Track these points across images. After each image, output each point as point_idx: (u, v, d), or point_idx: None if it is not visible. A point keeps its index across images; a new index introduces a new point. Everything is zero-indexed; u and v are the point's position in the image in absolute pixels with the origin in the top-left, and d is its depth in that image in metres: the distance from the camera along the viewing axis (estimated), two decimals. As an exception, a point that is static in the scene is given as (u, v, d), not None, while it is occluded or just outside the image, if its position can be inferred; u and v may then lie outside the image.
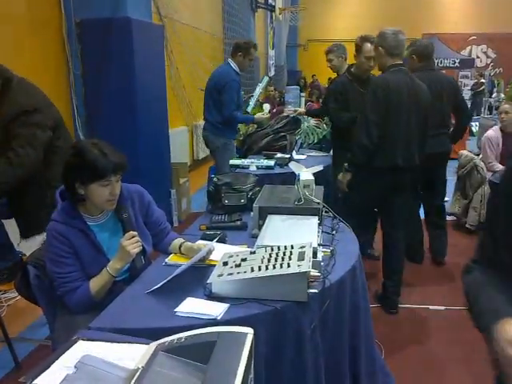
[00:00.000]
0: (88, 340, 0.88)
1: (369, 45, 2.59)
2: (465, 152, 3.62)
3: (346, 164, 2.21)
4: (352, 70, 2.80)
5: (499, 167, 3.25)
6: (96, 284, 1.28)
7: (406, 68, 2.19)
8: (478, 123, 6.94)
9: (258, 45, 3.36)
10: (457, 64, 9.90)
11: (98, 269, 1.29)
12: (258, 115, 3.43)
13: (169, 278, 1.21)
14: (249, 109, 3.51)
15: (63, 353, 0.82)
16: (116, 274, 1.29)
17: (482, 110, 9.64)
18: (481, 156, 3.43)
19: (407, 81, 2.10)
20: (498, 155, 3.34)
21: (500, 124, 3.35)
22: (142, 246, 1.32)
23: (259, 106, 4.21)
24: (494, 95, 10.63)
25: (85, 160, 1.24)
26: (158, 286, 1.20)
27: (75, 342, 0.87)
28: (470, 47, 13.37)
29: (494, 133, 3.34)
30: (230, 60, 3.25)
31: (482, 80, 10.18)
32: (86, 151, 1.25)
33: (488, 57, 13.41)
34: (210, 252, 1.35)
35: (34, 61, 2.73)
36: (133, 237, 1.27)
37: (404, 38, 2.14)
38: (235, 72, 3.19)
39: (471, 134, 7.42)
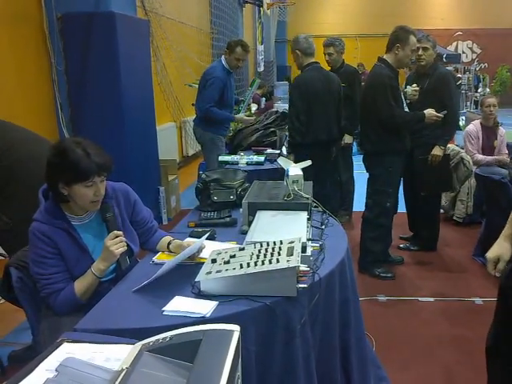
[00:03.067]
0: (73, 342, 0.85)
1: (413, 37, 2.44)
2: (451, 146, 3.67)
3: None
4: (390, 62, 2.47)
5: (479, 157, 3.33)
6: (81, 285, 1.25)
7: (318, 65, 2.80)
8: (464, 117, 7.05)
9: (248, 46, 3.19)
10: (443, 59, 10.03)
11: (83, 270, 1.26)
12: (240, 115, 3.39)
13: (156, 275, 1.19)
14: (240, 115, 3.48)
15: (47, 356, 0.80)
16: (101, 275, 1.26)
17: (462, 103, 9.80)
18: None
19: (320, 75, 2.77)
20: (479, 149, 3.41)
21: (482, 117, 3.42)
22: (129, 245, 1.30)
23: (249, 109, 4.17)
24: (479, 90, 10.80)
25: (67, 160, 1.21)
26: (146, 282, 1.18)
27: (60, 344, 0.85)
28: (455, 43, 13.55)
29: (473, 127, 3.42)
30: (222, 57, 3.23)
31: (459, 75, 10.37)
32: (69, 151, 1.21)
33: (473, 52, 13.62)
34: (200, 249, 1.33)
35: (15, 58, 2.65)
36: (117, 237, 1.24)
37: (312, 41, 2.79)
38: (225, 69, 3.15)
39: (458, 127, 7.50)
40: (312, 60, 2.79)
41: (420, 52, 2.69)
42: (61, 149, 1.24)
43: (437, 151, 2.69)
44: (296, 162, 2.46)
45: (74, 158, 1.20)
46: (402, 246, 3.07)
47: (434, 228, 2.98)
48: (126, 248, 1.27)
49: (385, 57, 2.53)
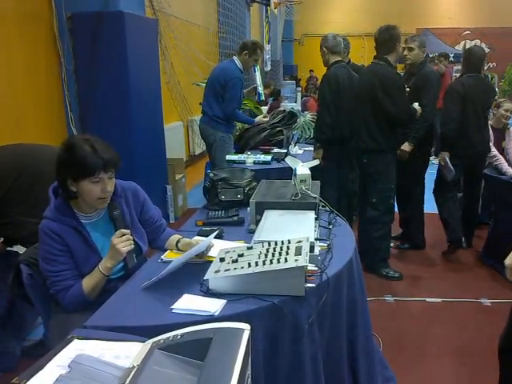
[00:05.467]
0: (83, 338, 0.86)
1: (399, 30, 2.55)
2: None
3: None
4: (392, 62, 2.53)
5: (505, 166, 3.12)
6: (89, 283, 1.26)
7: (344, 63, 2.91)
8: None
9: (262, 46, 3.37)
10: (451, 58, 9.94)
11: (92, 267, 1.27)
12: (259, 118, 3.42)
13: (165, 271, 1.20)
14: (262, 97, 3.58)
15: (58, 352, 0.81)
16: (108, 273, 1.27)
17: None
18: None
19: (345, 73, 2.84)
20: None
21: (494, 119, 3.36)
22: (137, 244, 1.30)
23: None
24: (488, 89, 10.66)
25: (75, 156, 1.22)
26: (155, 279, 1.19)
27: (70, 341, 0.86)
28: (463, 42, 13.41)
29: None
30: (235, 57, 3.26)
31: None
32: (77, 147, 1.23)
33: (482, 51, 13.44)
34: (208, 248, 1.34)
35: (25, 57, 2.68)
36: (124, 235, 1.25)
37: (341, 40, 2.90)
38: (239, 70, 3.19)
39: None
40: (338, 58, 2.86)
41: (405, 52, 2.73)
42: (69, 145, 1.25)
43: (405, 147, 2.67)
44: (323, 157, 2.77)
45: (81, 153, 1.22)
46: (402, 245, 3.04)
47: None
48: (132, 246, 1.27)
49: (385, 57, 2.53)
